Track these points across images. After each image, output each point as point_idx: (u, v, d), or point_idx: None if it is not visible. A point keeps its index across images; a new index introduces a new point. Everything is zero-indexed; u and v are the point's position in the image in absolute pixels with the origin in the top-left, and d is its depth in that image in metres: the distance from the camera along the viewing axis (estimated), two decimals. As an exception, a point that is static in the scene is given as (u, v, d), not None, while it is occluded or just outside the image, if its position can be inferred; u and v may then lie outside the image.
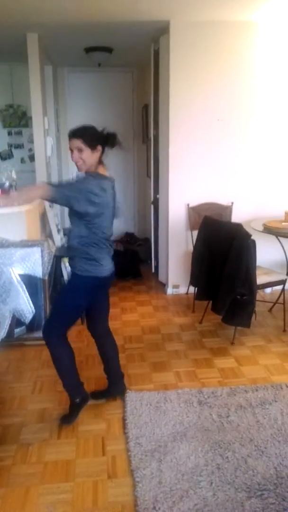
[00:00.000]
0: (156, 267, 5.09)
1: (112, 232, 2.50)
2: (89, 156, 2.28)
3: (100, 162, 2.37)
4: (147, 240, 5.71)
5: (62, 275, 4.19)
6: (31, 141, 5.30)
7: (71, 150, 2.29)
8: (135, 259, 5.27)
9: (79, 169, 2.34)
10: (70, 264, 2.48)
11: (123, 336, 3.61)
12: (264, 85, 4.15)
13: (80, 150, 2.26)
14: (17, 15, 3.75)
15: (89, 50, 4.96)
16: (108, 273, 2.48)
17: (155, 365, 3.15)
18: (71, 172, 6.37)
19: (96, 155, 2.30)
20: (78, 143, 2.25)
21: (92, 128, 2.32)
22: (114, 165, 6.49)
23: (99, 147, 2.30)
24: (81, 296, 2.45)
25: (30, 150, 5.53)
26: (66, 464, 2.18)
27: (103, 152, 2.35)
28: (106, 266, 2.45)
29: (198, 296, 3.71)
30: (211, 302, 3.58)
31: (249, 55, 4.08)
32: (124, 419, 2.52)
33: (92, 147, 2.27)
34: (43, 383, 2.93)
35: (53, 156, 5.46)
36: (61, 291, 3.02)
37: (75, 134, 2.27)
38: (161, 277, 4.86)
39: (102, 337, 2.76)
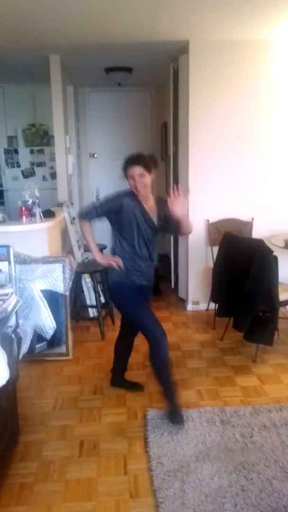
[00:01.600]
0: (176, 283, 5.08)
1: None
2: (150, 180, 2.56)
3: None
4: (166, 256, 5.71)
5: (82, 291, 4.22)
6: (52, 159, 5.40)
7: (132, 178, 2.51)
8: (154, 275, 5.25)
9: (139, 194, 2.56)
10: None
11: (144, 353, 3.58)
12: (283, 102, 4.16)
13: (142, 176, 2.50)
14: (40, 38, 3.87)
15: (109, 70, 5.08)
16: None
17: (176, 383, 3.11)
18: (92, 190, 6.46)
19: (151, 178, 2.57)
20: (140, 170, 2.49)
21: (145, 154, 2.58)
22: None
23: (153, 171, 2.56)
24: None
25: (52, 168, 5.63)
26: (88, 483, 2.16)
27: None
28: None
29: (219, 312, 3.68)
30: (232, 319, 3.55)
31: (267, 72, 4.11)
32: (145, 438, 2.50)
33: (150, 171, 2.53)
34: (64, 399, 2.92)
35: (74, 173, 5.56)
36: None
37: (138, 161, 2.50)
38: (181, 293, 4.85)
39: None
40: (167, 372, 2.63)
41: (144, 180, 2.51)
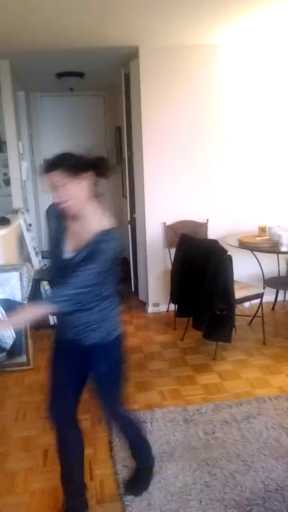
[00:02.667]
0: (136, 286, 5.11)
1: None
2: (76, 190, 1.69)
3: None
4: (126, 260, 5.74)
5: (41, 298, 4.16)
6: (5, 165, 5.29)
7: (51, 188, 1.68)
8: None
9: (64, 210, 1.72)
10: None
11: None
12: (232, 105, 4.30)
13: (58, 185, 1.66)
14: (-12, 43, 3.81)
15: (60, 75, 5.05)
16: None
17: (139, 385, 3.14)
18: (47, 197, 6.39)
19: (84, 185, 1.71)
20: (55, 176, 1.65)
21: (72, 153, 1.71)
22: (90, 186, 6.55)
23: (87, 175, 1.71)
24: None
25: (5, 174, 5.53)
26: (53, 492, 2.14)
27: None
28: None
29: (178, 313, 3.75)
30: (191, 318, 3.62)
31: (215, 77, 4.23)
32: (110, 442, 2.50)
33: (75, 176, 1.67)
34: (26, 410, 2.88)
35: (29, 180, 5.48)
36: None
37: (47, 168, 1.66)
38: (141, 296, 4.88)
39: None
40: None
41: (61, 191, 1.67)
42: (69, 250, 1.79)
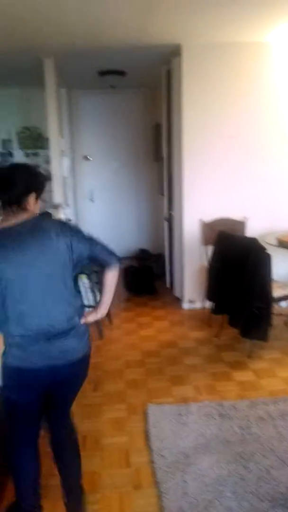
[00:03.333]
0: (171, 283, 5.16)
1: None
2: None
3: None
4: (161, 256, 5.79)
5: (79, 291, 4.27)
6: (47, 162, 5.46)
7: None
8: (149, 275, 5.34)
9: None
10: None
11: (142, 351, 3.67)
12: (275, 103, 4.26)
13: None
14: (33, 41, 3.92)
15: (102, 73, 5.14)
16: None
17: (174, 379, 3.19)
18: (87, 191, 6.53)
19: None
20: None
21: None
22: (127, 183, 6.65)
23: None
24: None
25: (46, 170, 5.68)
26: (92, 476, 2.23)
27: None
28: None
29: (215, 310, 3.77)
30: (227, 316, 3.64)
31: (261, 74, 4.19)
32: (146, 432, 2.57)
33: None
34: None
35: (69, 176, 5.61)
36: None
37: None
38: (176, 292, 4.92)
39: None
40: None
41: None
42: None
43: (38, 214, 1.82)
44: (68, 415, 2.00)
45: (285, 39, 4.03)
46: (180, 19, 3.48)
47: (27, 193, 1.76)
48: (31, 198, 1.77)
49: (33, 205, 1.79)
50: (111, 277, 1.94)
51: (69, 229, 1.81)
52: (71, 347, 1.79)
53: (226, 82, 4.19)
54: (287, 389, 3.00)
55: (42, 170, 5.79)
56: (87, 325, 1.91)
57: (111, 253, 1.91)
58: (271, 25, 3.63)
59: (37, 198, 1.82)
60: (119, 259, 1.92)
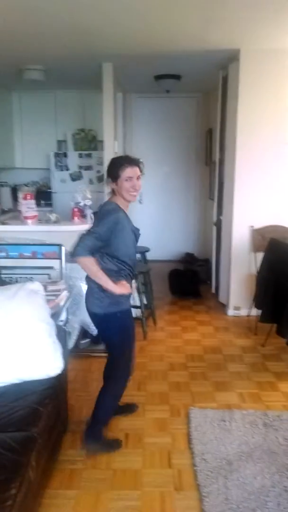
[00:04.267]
0: (217, 288, 5.12)
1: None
2: None
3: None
4: (207, 261, 5.76)
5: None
6: (99, 163, 5.58)
7: (130, 179, 2.27)
8: (195, 279, 5.32)
9: (134, 198, 2.36)
10: None
11: (185, 355, 3.66)
12: None
13: (138, 178, 2.33)
14: (93, 47, 4.04)
15: (158, 77, 5.20)
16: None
17: (218, 385, 3.16)
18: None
19: None
20: (138, 171, 2.32)
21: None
22: (177, 187, 6.66)
23: None
24: None
25: (98, 171, 5.81)
26: (134, 473, 2.25)
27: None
28: None
29: (263, 318, 3.70)
30: (275, 325, 3.56)
31: None
32: (188, 435, 2.56)
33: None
34: (109, 394, 3.03)
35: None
36: None
37: (137, 162, 2.33)
38: (222, 298, 4.88)
39: None
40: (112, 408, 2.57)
41: (139, 182, 2.33)
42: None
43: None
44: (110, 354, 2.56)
45: None
46: (239, 25, 3.48)
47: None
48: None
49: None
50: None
51: None
52: None
53: (282, 89, 4.14)
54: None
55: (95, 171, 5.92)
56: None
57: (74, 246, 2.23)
58: None
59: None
60: (72, 254, 2.25)
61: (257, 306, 3.80)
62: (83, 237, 2.22)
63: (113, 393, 2.51)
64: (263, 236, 4.22)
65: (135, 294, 4.26)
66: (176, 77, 5.18)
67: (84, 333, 3.64)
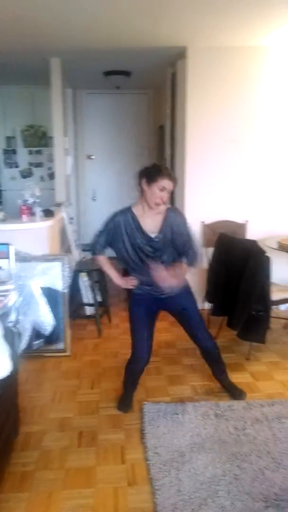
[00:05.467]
0: (171, 284, 5.16)
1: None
2: None
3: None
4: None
5: (79, 289, 4.29)
6: (50, 160, 5.49)
7: (162, 190, 2.43)
8: (150, 276, 5.35)
9: (156, 208, 2.49)
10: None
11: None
12: (277, 107, 4.29)
13: (169, 192, 2.48)
14: (40, 41, 3.96)
15: (108, 73, 5.17)
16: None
17: (172, 378, 3.20)
18: (89, 191, 6.54)
19: None
20: (171, 185, 2.46)
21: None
22: (130, 183, 6.65)
23: None
24: None
25: (50, 168, 5.72)
26: (87, 471, 2.24)
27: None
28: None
29: (214, 311, 3.77)
30: (226, 318, 3.65)
31: (262, 78, 4.23)
32: (142, 430, 2.58)
33: None
34: (62, 393, 3.00)
35: (72, 174, 5.64)
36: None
37: (175, 179, 2.50)
38: (176, 293, 4.92)
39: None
40: (127, 381, 2.84)
41: (168, 195, 2.49)
42: (153, 233, 2.53)
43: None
44: None
45: (281, 43, 4.07)
46: (187, 22, 3.52)
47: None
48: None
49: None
50: None
51: None
52: None
53: (229, 86, 4.23)
54: (283, 392, 3.00)
55: (46, 168, 5.82)
56: None
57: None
58: (269, 28, 3.66)
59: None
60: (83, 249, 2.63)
61: (209, 300, 3.87)
62: (94, 235, 2.63)
63: (127, 367, 2.81)
64: (213, 231, 4.30)
65: (88, 292, 4.24)
66: (126, 73, 5.18)
67: (37, 333, 3.57)
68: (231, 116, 4.27)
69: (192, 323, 2.82)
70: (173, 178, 2.47)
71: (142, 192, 2.51)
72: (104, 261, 2.71)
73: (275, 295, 3.48)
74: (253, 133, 4.31)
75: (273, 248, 3.73)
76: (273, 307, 3.55)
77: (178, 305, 2.75)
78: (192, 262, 2.66)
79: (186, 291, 2.74)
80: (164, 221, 2.55)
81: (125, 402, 2.82)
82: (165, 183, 2.41)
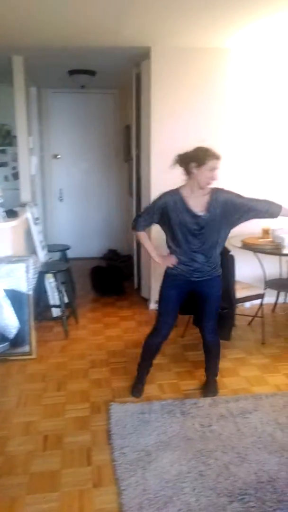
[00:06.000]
0: (139, 283, 5.18)
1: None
2: None
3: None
4: (130, 257, 5.81)
5: (45, 291, 4.24)
6: (15, 159, 5.39)
7: (212, 170, 2.64)
8: (117, 275, 5.35)
9: (206, 187, 2.70)
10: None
11: (107, 351, 3.66)
12: (239, 108, 4.37)
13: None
14: (2, 39, 3.88)
15: (72, 72, 5.13)
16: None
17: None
18: (55, 191, 6.47)
19: None
20: (219, 164, 2.66)
21: None
22: (97, 183, 6.63)
23: None
24: None
25: (14, 168, 5.62)
26: (52, 475, 2.21)
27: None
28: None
29: (180, 311, 3.79)
30: (192, 316, 3.68)
31: (224, 79, 4.30)
32: (108, 431, 2.57)
33: None
34: (27, 397, 2.95)
35: (37, 174, 5.56)
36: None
37: (220, 158, 2.65)
38: (144, 293, 4.95)
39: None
40: (143, 357, 2.99)
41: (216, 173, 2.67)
42: (202, 212, 2.68)
43: None
44: None
45: (242, 46, 4.15)
46: (150, 23, 3.53)
47: None
48: None
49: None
50: None
51: None
52: None
53: (194, 86, 4.27)
54: (248, 388, 3.06)
55: (10, 168, 5.71)
56: None
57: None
58: (229, 31, 3.72)
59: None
60: (132, 227, 2.91)
61: (175, 299, 3.89)
62: (140, 212, 2.91)
63: (146, 341, 2.97)
64: (180, 230, 4.33)
65: (55, 294, 4.20)
66: (91, 72, 5.15)
67: (1, 337, 3.50)
68: (195, 116, 4.31)
69: (206, 312, 2.92)
70: (219, 157, 2.64)
71: (190, 175, 2.68)
72: (144, 238, 2.87)
73: (239, 293, 3.54)
74: (217, 133, 4.36)
75: (237, 247, 3.80)
76: (238, 304, 3.61)
77: (204, 291, 2.86)
78: (273, 208, 2.85)
79: (217, 279, 2.85)
80: (210, 201, 2.71)
81: (137, 386, 2.96)
82: (214, 163, 2.61)
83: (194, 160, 2.64)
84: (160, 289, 2.90)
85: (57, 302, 4.13)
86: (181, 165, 2.74)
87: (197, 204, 2.70)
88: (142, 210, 2.79)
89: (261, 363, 3.42)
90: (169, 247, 2.81)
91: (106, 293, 5.12)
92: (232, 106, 4.36)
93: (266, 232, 3.95)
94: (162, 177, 4.34)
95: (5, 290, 3.41)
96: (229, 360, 3.46)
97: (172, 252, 2.79)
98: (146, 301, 4.82)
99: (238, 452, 2.37)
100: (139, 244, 5.06)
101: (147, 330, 4.07)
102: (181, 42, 4.01)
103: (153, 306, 4.65)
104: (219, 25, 3.56)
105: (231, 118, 4.38)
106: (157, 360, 3.45)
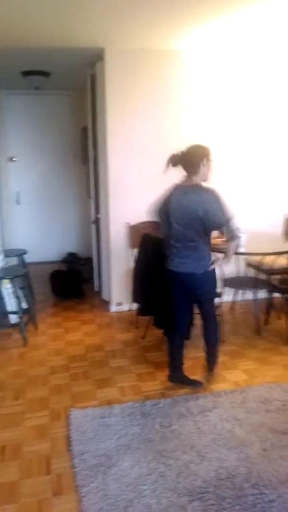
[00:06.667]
0: (99, 286, 5.15)
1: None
2: None
3: None
4: (90, 260, 5.76)
5: (2, 297, 4.14)
6: None
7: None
8: (77, 279, 5.29)
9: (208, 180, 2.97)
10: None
11: (67, 356, 3.62)
12: (193, 109, 4.42)
13: None
14: None
15: (26, 73, 5.03)
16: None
17: (99, 382, 3.18)
18: (12, 194, 6.33)
19: None
20: None
21: None
22: (55, 186, 6.54)
23: None
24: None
25: None
26: (10, 486, 2.16)
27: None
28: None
29: (140, 312, 3.81)
30: (153, 317, 3.69)
31: (179, 81, 4.34)
32: (68, 437, 2.53)
33: None
34: (-16, 407, 2.87)
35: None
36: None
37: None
38: (104, 295, 4.92)
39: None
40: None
41: None
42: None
43: None
44: None
45: (195, 48, 4.21)
46: (102, 24, 3.50)
47: None
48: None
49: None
50: None
51: None
52: None
53: (148, 88, 4.29)
54: (207, 386, 3.10)
55: None
56: None
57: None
58: (182, 33, 3.76)
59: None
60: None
61: (135, 300, 3.90)
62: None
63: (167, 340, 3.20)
64: (138, 232, 4.34)
65: (12, 300, 4.10)
66: (45, 73, 5.07)
67: None
68: (151, 118, 4.33)
69: (202, 310, 3.06)
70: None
71: (198, 170, 2.92)
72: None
73: (198, 293, 3.58)
74: (171, 135, 4.39)
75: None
76: (197, 304, 3.65)
77: (195, 288, 2.95)
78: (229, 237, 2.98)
79: (205, 276, 2.90)
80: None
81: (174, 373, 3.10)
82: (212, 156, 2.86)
83: (205, 156, 2.87)
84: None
85: (15, 309, 4.03)
86: (195, 163, 2.90)
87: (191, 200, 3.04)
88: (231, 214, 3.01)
89: (220, 361, 3.44)
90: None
91: (66, 297, 5.06)
92: (188, 107, 4.40)
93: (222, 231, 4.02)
94: (120, 178, 4.37)
95: None
96: (188, 359, 3.47)
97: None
98: (107, 303, 4.79)
99: (198, 451, 2.40)
100: (98, 246, 5.03)
101: (107, 333, 4.09)
102: (135, 43, 4.02)
103: (114, 308, 4.64)
104: (171, 27, 3.59)
105: (187, 119, 4.42)
106: (118, 363, 3.48)
